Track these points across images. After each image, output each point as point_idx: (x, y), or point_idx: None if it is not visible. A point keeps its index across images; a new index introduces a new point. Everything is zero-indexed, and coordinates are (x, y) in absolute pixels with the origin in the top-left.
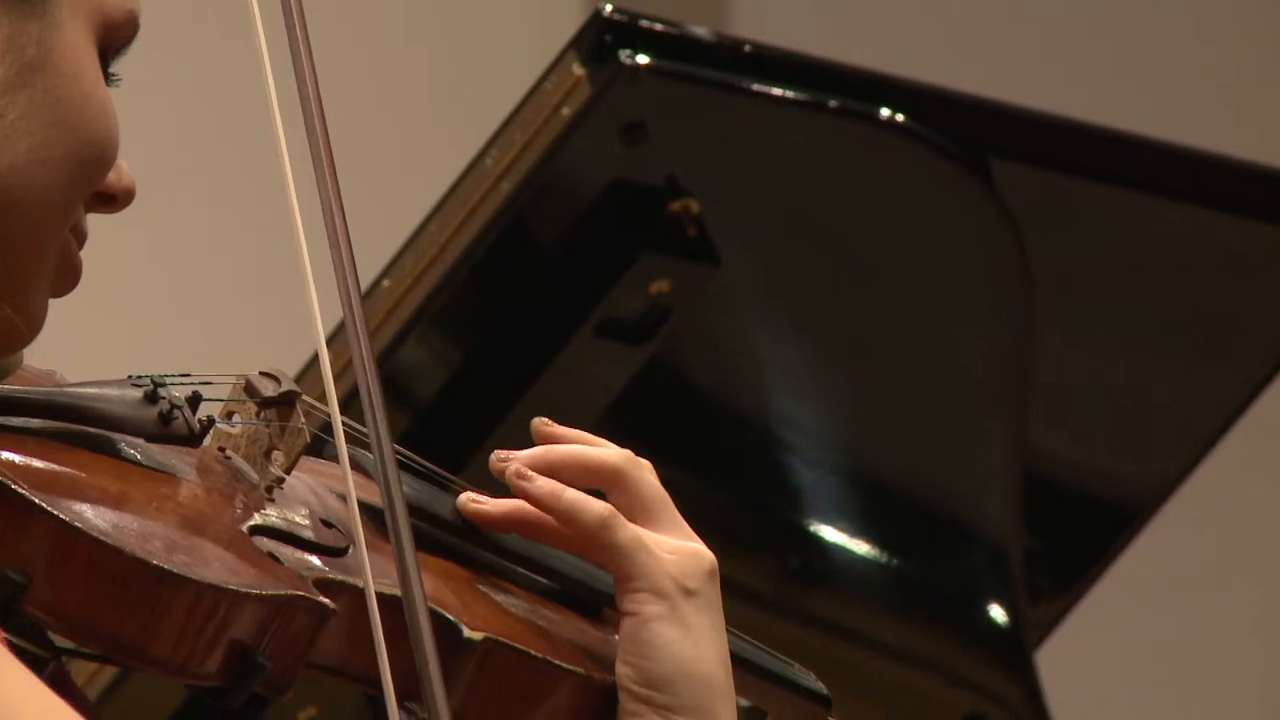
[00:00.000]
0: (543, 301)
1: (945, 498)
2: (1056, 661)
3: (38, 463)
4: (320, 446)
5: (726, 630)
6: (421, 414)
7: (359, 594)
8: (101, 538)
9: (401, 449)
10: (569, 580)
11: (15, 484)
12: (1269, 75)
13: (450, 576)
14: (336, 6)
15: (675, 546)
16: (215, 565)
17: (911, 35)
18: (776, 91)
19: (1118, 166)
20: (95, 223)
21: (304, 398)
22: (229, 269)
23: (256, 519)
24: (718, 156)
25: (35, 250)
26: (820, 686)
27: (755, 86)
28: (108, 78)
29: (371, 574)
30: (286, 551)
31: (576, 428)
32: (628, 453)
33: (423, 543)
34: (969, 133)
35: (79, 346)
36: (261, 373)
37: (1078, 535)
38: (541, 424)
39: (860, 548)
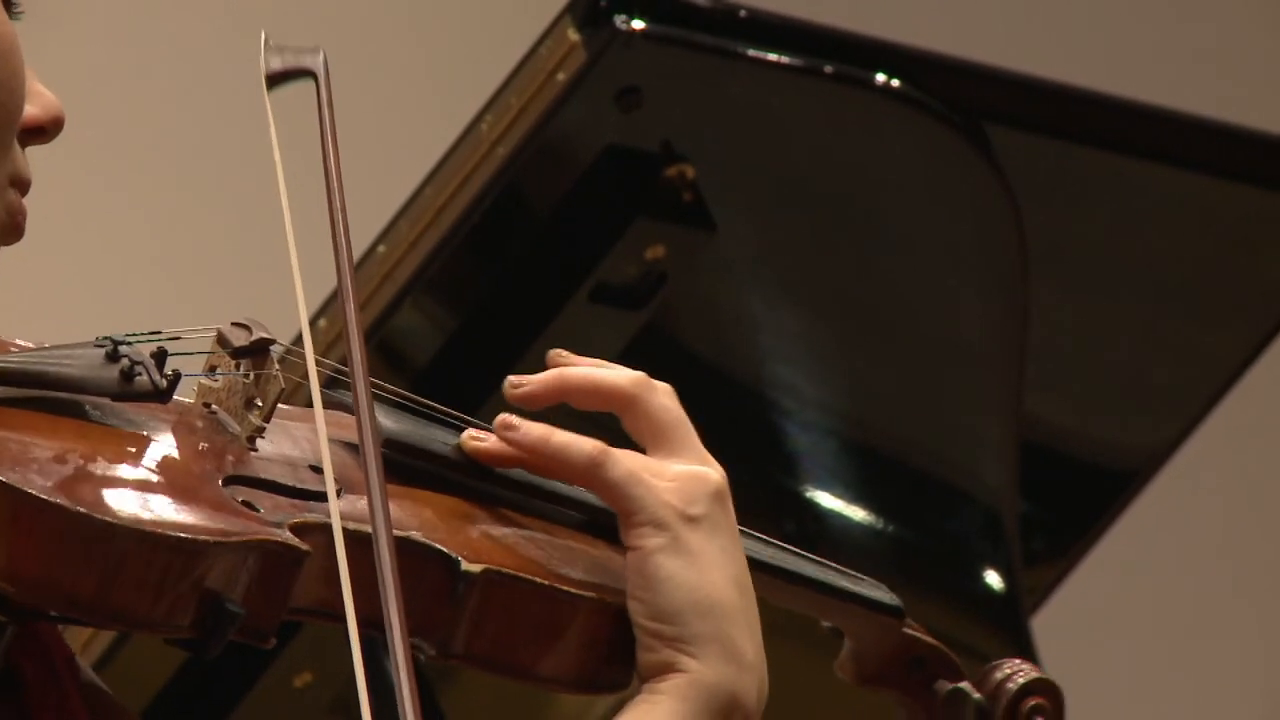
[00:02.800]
0: (538, 267)
1: (941, 463)
2: (1052, 626)
3: None
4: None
5: (794, 553)
6: (416, 379)
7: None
8: (46, 497)
9: (403, 392)
10: (584, 507)
11: None
12: (1266, 42)
13: (456, 513)
14: None
15: (677, 473)
16: (174, 516)
17: (908, 1)
18: (772, 57)
19: (1114, 132)
20: (81, 184)
21: (279, 344)
22: (213, 221)
23: (232, 470)
24: (713, 122)
25: None
26: (891, 598)
27: (751, 52)
28: (9, 11)
29: (358, 513)
30: (265, 499)
31: None
32: (640, 375)
33: (431, 481)
34: (965, 99)
35: (60, 309)
36: (234, 323)
37: (1073, 501)
38: (556, 355)
39: (855, 513)
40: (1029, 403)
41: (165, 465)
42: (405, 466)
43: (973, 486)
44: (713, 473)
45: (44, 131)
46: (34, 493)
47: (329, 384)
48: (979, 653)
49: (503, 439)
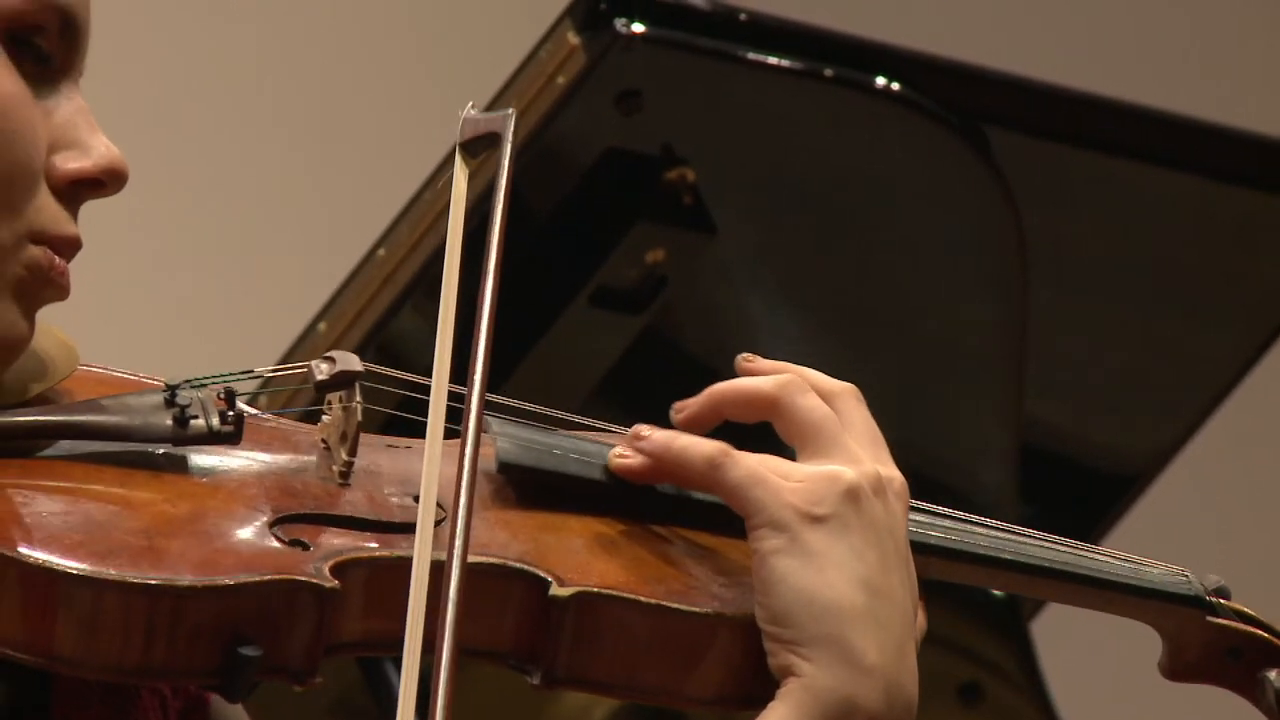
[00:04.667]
0: (539, 270)
1: (941, 466)
2: (1052, 631)
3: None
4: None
5: (1076, 552)
6: (417, 384)
7: (404, 566)
8: (10, 553)
9: (545, 410)
10: (726, 512)
11: None
12: (1264, 44)
13: (588, 533)
14: None
15: (806, 473)
16: (160, 563)
17: (906, 4)
18: (772, 60)
19: (1113, 135)
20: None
21: (371, 373)
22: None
23: (293, 508)
24: (713, 125)
25: None
26: (1189, 588)
27: (751, 55)
28: (36, 60)
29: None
30: (327, 534)
31: (571, 396)
32: (787, 377)
33: (583, 503)
34: (964, 101)
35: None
36: (324, 357)
37: (1074, 504)
38: (743, 359)
39: None
40: (1029, 406)
41: (206, 512)
42: (552, 489)
43: (973, 489)
44: (848, 471)
45: (100, 184)
46: (19, 557)
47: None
48: (979, 657)
49: (633, 449)
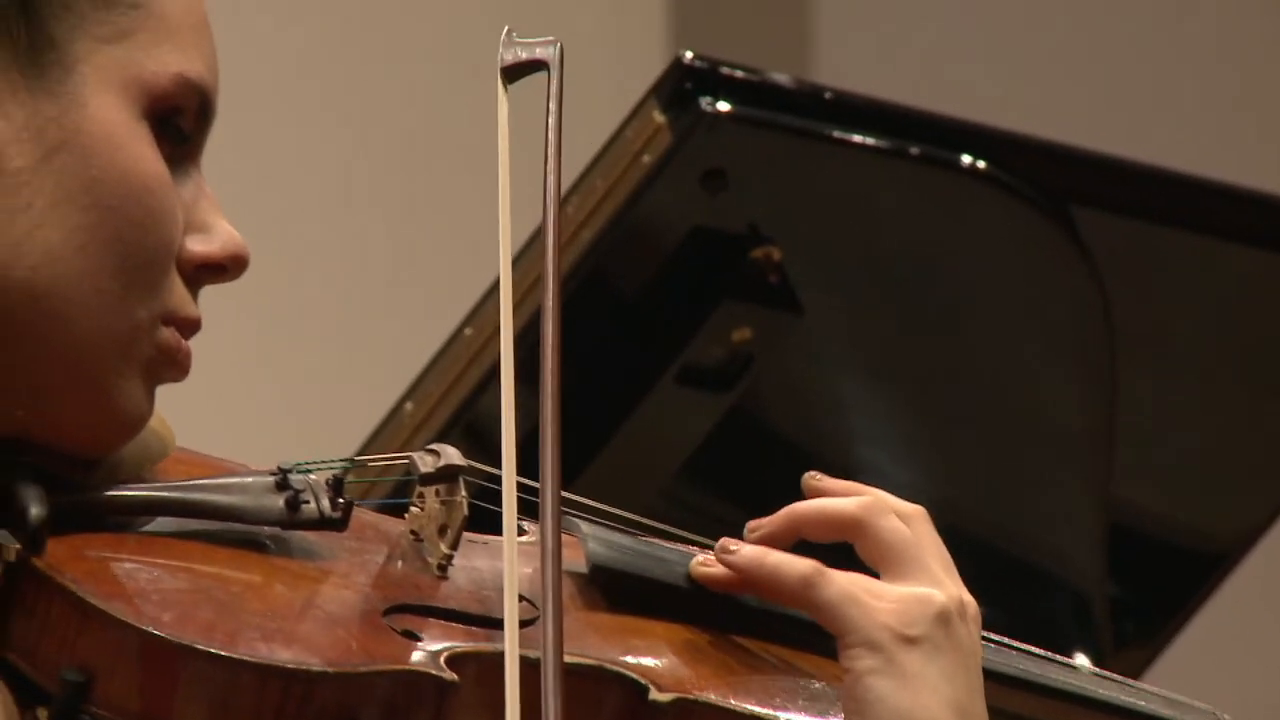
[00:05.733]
0: (625, 349)
1: (1029, 545)
2: None
3: (122, 562)
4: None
5: (1118, 682)
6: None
7: (523, 664)
8: (154, 630)
9: (632, 516)
10: (813, 630)
11: (70, 584)
12: None
13: (677, 640)
14: (414, 53)
15: (899, 594)
16: (294, 648)
17: (993, 82)
18: (858, 138)
19: (1200, 213)
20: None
21: (474, 468)
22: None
23: (402, 599)
24: (799, 203)
25: (105, 342)
26: None
27: (837, 133)
28: (176, 140)
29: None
30: (435, 627)
31: (657, 476)
32: (869, 500)
33: (667, 610)
34: (1050, 180)
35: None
36: (426, 449)
37: (1163, 584)
38: (810, 477)
39: None
40: (1118, 485)
41: (318, 596)
42: (638, 596)
43: (1062, 569)
44: (938, 594)
45: (223, 270)
46: (143, 626)
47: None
48: None
49: (721, 562)
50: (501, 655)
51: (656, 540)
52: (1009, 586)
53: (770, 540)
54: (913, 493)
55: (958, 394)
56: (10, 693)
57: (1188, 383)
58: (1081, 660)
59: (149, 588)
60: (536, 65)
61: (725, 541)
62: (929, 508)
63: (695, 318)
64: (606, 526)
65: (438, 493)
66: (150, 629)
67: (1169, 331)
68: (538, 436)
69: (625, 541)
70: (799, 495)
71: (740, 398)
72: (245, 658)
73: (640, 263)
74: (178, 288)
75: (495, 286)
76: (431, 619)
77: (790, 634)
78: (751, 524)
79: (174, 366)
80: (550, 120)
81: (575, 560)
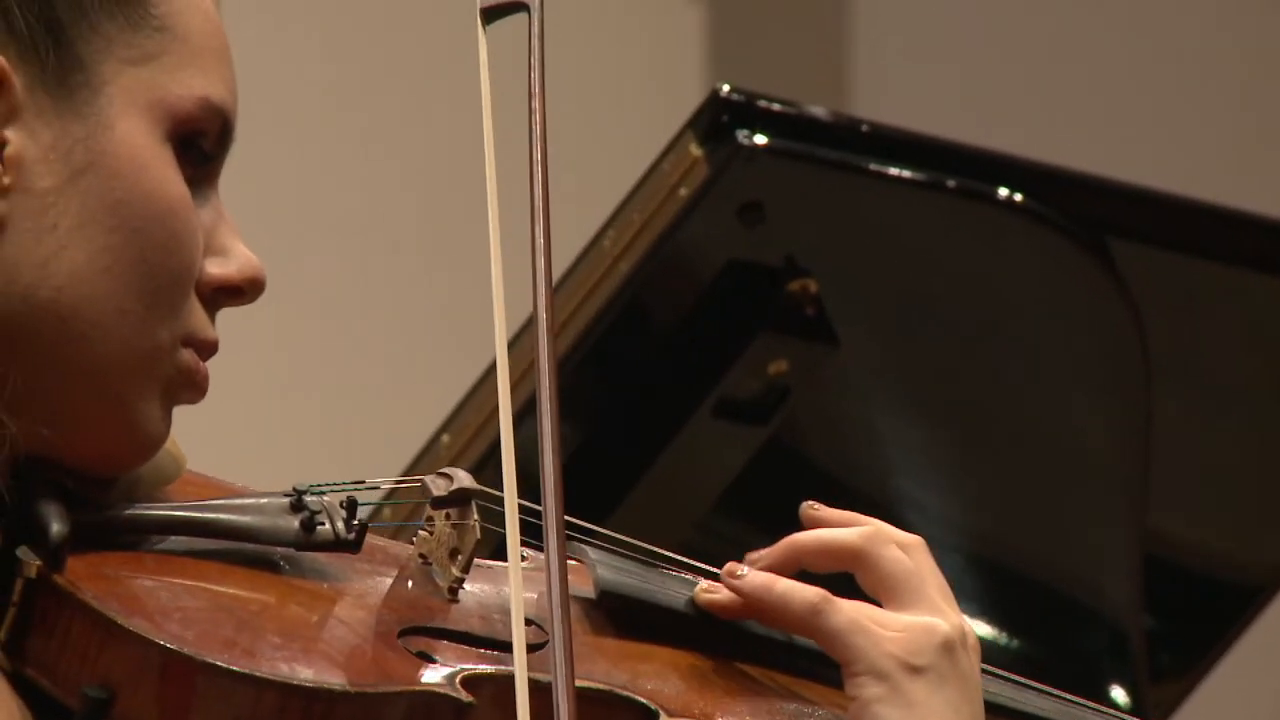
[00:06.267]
0: (661, 381)
1: (1065, 578)
2: None
3: (140, 580)
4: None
5: (1106, 713)
6: (539, 495)
7: (531, 687)
8: (178, 648)
9: (634, 541)
10: (823, 659)
11: (92, 601)
12: None
13: (687, 669)
14: (445, 84)
15: (904, 624)
16: (314, 667)
17: (1029, 114)
18: (895, 171)
19: (1235, 244)
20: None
21: (483, 491)
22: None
23: (416, 621)
24: (836, 236)
25: (128, 363)
26: None
27: (873, 166)
28: (197, 162)
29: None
30: (449, 649)
31: (694, 508)
32: (870, 530)
33: (670, 635)
34: (1088, 212)
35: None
36: (438, 473)
37: (1199, 616)
38: (808, 507)
39: (980, 629)
40: (1153, 517)
41: (334, 617)
42: (639, 621)
43: (1098, 602)
44: (942, 624)
45: (240, 292)
46: (167, 644)
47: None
48: None
49: (728, 587)
50: (536, 678)
51: (662, 566)
52: (1044, 619)
53: (772, 570)
54: (948, 525)
55: (993, 426)
56: (28, 709)
57: (1224, 414)
58: (1118, 693)
59: (170, 605)
60: (517, 6)
61: (732, 566)
62: (966, 539)
63: (732, 350)
64: (613, 552)
65: (448, 516)
66: (174, 646)
67: (1205, 363)
68: (573, 470)
69: (632, 567)
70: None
71: (777, 430)
72: (268, 676)
73: (677, 295)
74: (197, 310)
75: (529, 322)
76: (444, 641)
77: (792, 662)
78: (751, 554)
79: (192, 388)
80: (533, 60)
81: (582, 585)
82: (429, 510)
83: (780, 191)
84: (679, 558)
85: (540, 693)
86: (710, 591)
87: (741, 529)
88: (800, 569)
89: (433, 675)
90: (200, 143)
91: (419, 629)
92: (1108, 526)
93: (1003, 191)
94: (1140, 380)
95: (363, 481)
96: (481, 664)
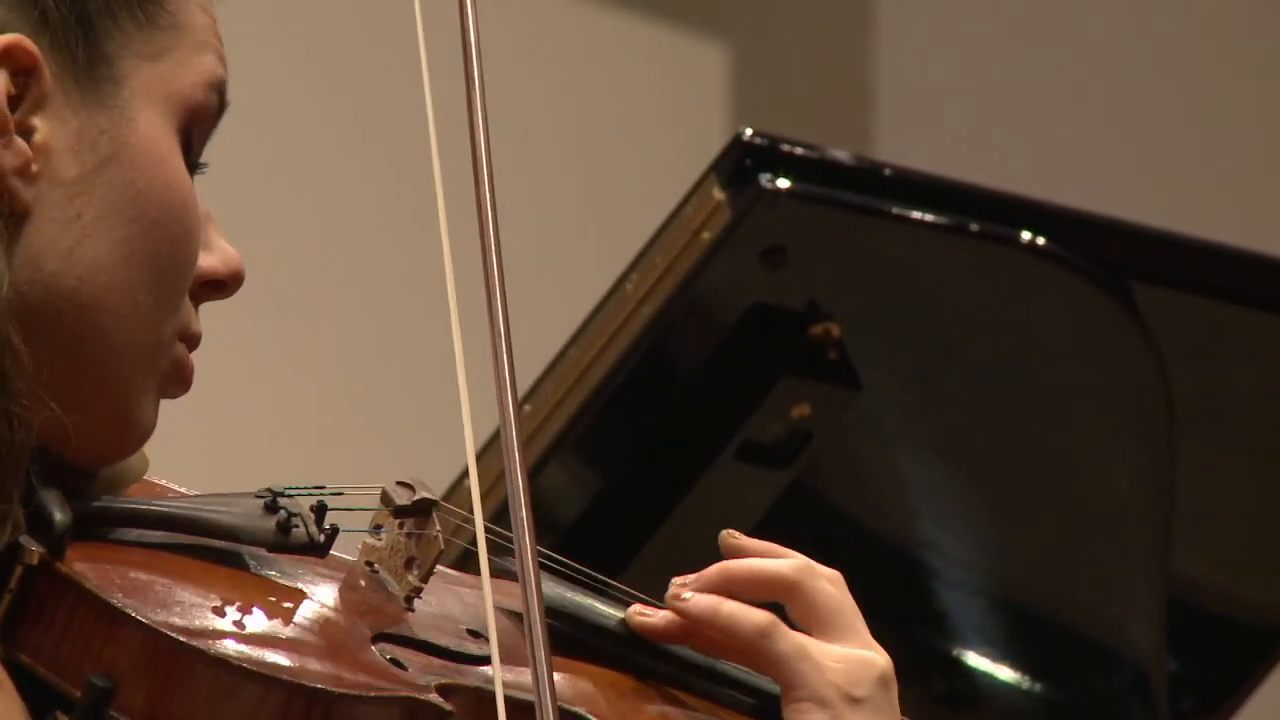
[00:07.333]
0: (684, 425)
1: (1088, 621)
2: None
3: (136, 572)
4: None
5: None
6: (564, 539)
7: (486, 699)
8: (185, 640)
9: (571, 562)
10: (750, 690)
11: (98, 590)
12: None
13: (613, 687)
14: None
15: (843, 655)
16: (313, 668)
17: (1051, 158)
18: (917, 215)
19: (1259, 289)
20: (246, 336)
21: (443, 505)
22: (378, 381)
23: (383, 628)
24: (859, 280)
25: (135, 355)
26: None
27: (896, 210)
28: (194, 165)
29: (514, 681)
30: (415, 658)
31: (717, 552)
32: (803, 562)
33: (590, 653)
34: (1110, 256)
35: (225, 458)
36: (399, 482)
37: (1221, 660)
38: (728, 535)
39: (1004, 672)
40: (1176, 560)
41: (316, 619)
42: (567, 637)
43: (1121, 645)
44: (879, 658)
45: (223, 286)
46: (176, 636)
47: (493, 550)
48: None
49: (672, 608)
50: (488, 689)
51: (610, 592)
52: (1067, 662)
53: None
54: (971, 568)
55: (1017, 469)
56: (21, 698)
57: (1247, 457)
58: None
59: (169, 598)
60: None
61: (677, 589)
62: (990, 582)
63: (755, 394)
64: (556, 573)
65: (402, 525)
66: (183, 639)
67: (1228, 406)
68: (597, 514)
69: (572, 587)
70: (859, 572)
71: (799, 474)
72: (275, 675)
73: (700, 339)
74: (188, 303)
75: (554, 364)
76: (410, 649)
77: (714, 689)
78: (679, 579)
79: (181, 382)
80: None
81: (507, 601)
82: (377, 518)
83: (803, 235)
84: (630, 590)
85: (517, 710)
86: (644, 614)
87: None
88: (730, 597)
89: (414, 682)
90: (194, 138)
91: (388, 636)
92: (1131, 569)
93: (1025, 235)
94: (1163, 423)
95: (323, 486)
96: (449, 675)
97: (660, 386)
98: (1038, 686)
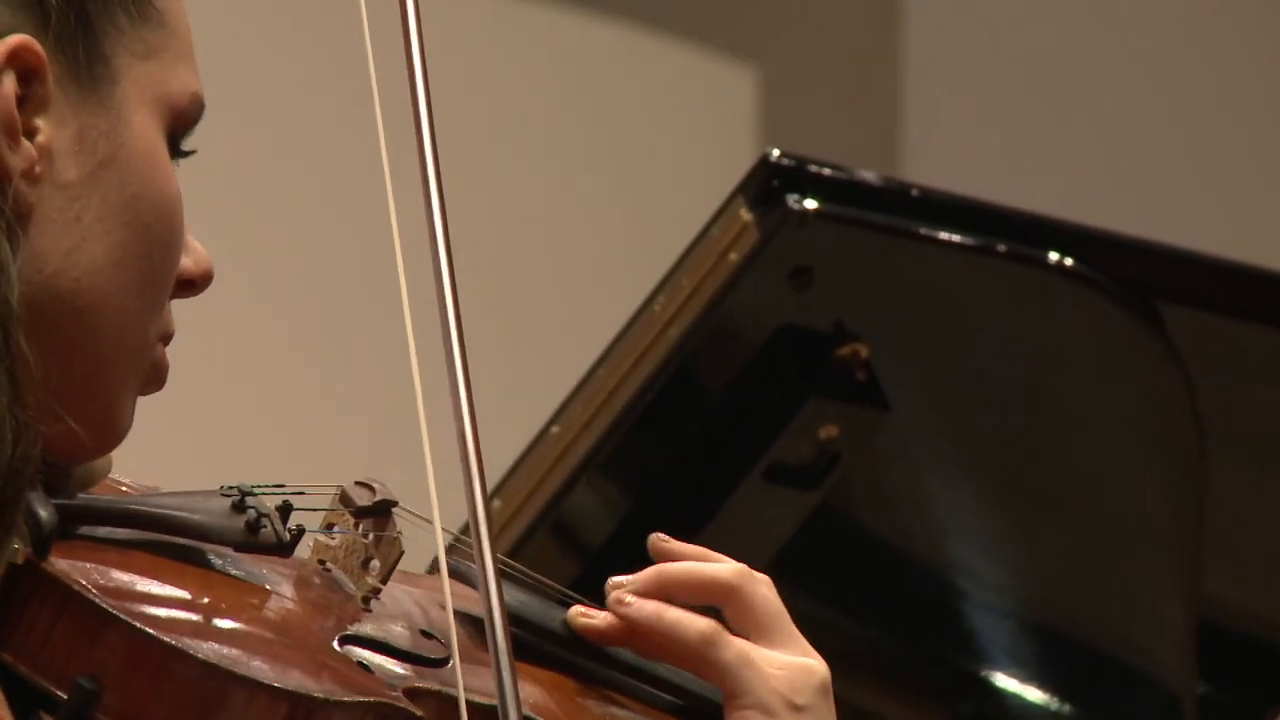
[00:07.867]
0: (711, 447)
1: (1118, 643)
2: None
3: (116, 572)
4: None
5: None
6: (591, 560)
7: (449, 703)
8: (173, 643)
9: (510, 562)
10: (684, 693)
11: (86, 591)
12: None
13: (557, 688)
14: (500, 149)
15: (785, 662)
16: (294, 672)
17: (1079, 179)
18: (945, 235)
19: None
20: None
21: (402, 507)
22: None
23: (348, 629)
24: (886, 300)
25: (125, 356)
26: None
27: (923, 230)
28: (178, 155)
29: (468, 684)
30: (378, 660)
31: None
32: (741, 568)
33: (531, 654)
34: (1138, 277)
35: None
36: (357, 482)
37: (1252, 682)
38: (658, 539)
39: (1032, 694)
40: (1206, 582)
41: (286, 620)
42: (520, 640)
43: (1150, 667)
44: (819, 665)
45: (192, 285)
46: (161, 637)
47: (447, 550)
48: None
49: (615, 614)
50: (451, 693)
51: (564, 599)
52: (1097, 684)
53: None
54: (1001, 589)
55: (1045, 490)
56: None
57: (1277, 478)
58: None
59: (153, 599)
60: None
61: (618, 594)
62: (1018, 603)
63: (782, 415)
64: (511, 579)
65: (358, 525)
66: (172, 642)
67: (1257, 427)
68: (625, 535)
69: (521, 592)
70: (888, 592)
71: (827, 495)
72: (261, 679)
73: (727, 360)
74: (168, 304)
75: (582, 384)
76: (373, 651)
77: (649, 693)
78: (615, 580)
79: (156, 382)
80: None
81: (472, 606)
82: (330, 517)
83: (830, 256)
84: (573, 594)
85: (480, 715)
86: (586, 616)
87: (793, 593)
88: (666, 600)
89: (385, 686)
90: (177, 138)
91: (351, 638)
92: (1161, 591)
93: (1053, 256)
94: (1192, 444)
95: (283, 485)
96: (411, 678)
97: (688, 407)
98: (1066, 708)
